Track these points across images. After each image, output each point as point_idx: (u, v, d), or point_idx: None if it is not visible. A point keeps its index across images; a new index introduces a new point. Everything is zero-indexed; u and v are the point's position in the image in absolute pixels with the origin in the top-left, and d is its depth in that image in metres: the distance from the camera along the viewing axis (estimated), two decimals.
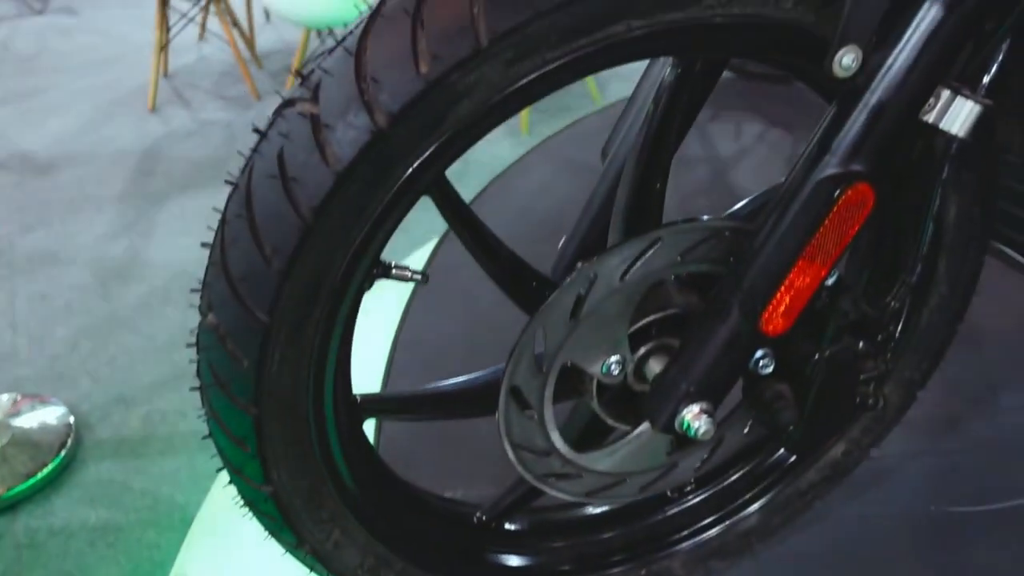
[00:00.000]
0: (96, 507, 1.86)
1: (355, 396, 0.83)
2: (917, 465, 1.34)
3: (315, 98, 0.64)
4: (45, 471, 1.91)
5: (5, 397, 2.12)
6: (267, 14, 4.58)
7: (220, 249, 0.68)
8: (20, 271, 2.83)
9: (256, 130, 0.68)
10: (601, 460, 0.88)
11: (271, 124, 0.67)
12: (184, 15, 4.10)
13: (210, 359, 0.72)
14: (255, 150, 0.67)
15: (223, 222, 0.69)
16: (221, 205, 0.69)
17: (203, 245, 0.71)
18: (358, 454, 0.85)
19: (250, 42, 4.36)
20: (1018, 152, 0.93)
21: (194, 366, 0.74)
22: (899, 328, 0.96)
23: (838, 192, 0.70)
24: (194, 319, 0.74)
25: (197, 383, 0.74)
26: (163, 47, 3.84)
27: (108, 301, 2.62)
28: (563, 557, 1.02)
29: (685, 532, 1.07)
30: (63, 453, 1.95)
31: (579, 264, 0.76)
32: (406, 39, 0.63)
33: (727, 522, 1.07)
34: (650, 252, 0.77)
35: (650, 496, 1.04)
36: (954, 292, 0.97)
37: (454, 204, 0.76)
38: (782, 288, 0.74)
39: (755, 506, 1.07)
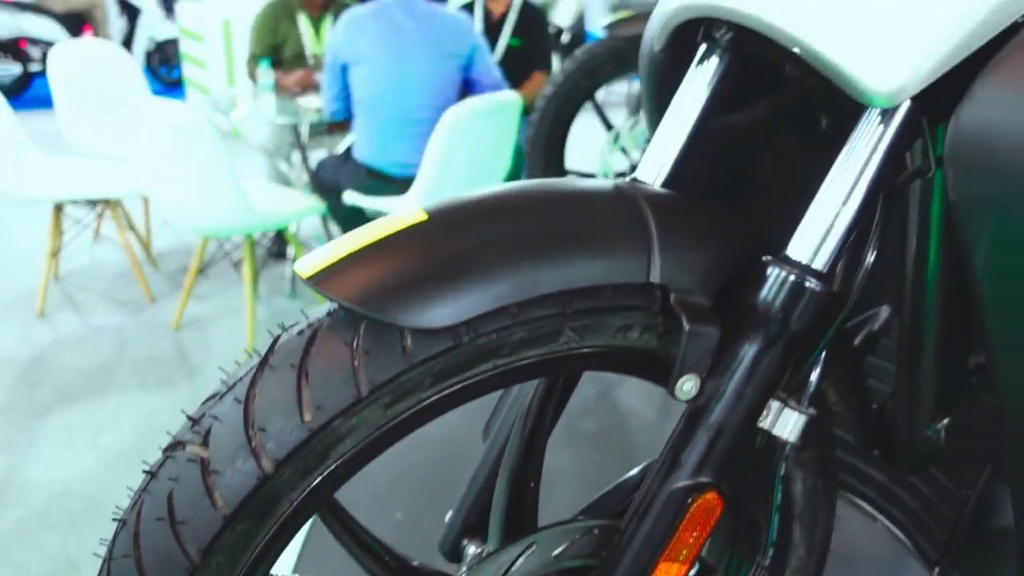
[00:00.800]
0: None
1: None
2: None
3: (205, 443, 0.69)
4: None
5: None
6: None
7: None
8: None
9: (146, 471, 0.71)
10: None
11: (161, 464, 0.71)
12: (78, 221, 4.13)
13: None
14: (144, 489, 0.71)
15: (109, 559, 0.71)
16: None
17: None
18: None
19: (146, 244, 4.39)
20: (858, 442, 1.05)
21: None
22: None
23: (689, 501, 0.78)
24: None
25: None
26: (55, 253, 3.83)
27: None
28: None
29: None
30: None
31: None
32: (291, 390, 0.69)
33: None
34: (525, 555, 0.82)
35: None
36: (810, 554, 1.05)
37: (342, 519, 0.81)
38: None
39: None
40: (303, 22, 4.34)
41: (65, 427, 2.96)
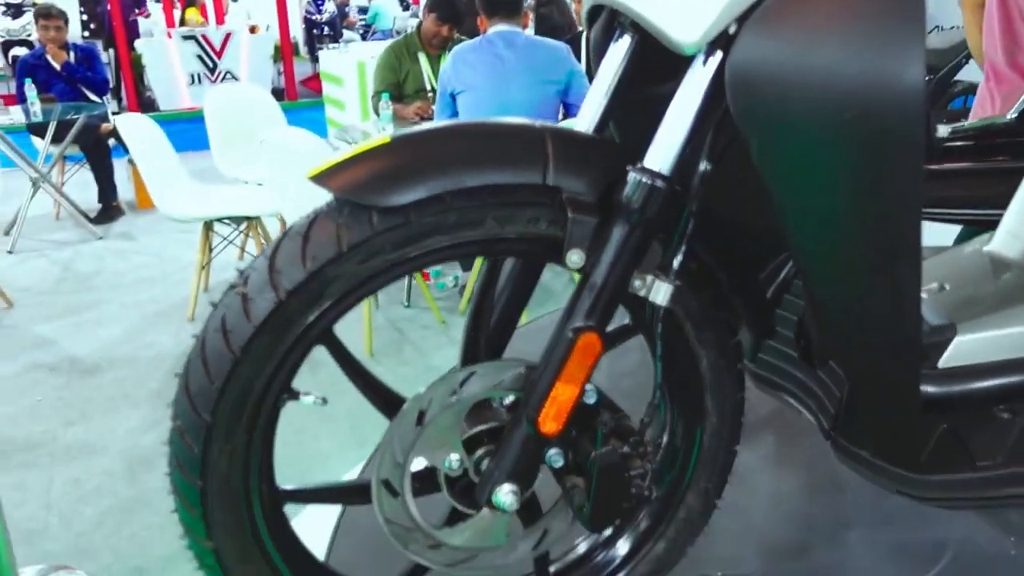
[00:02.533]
0: None
1: (277, 485, 1.20)
2: None
3: (245, 283, 1.08)
4: None
5: (32, 569, 2.46)
6: None
7: (184, 377, 1.09)
8: (59, 459, 3.24)
9: (212, 303, 1.11)
10: (455, 536, 1.23)
11: (220, 300, 1.10)
12: (225, 238, 4.74)
13: (174, 451, 1.11)
14: (210, 317, 1.10)
15: (188, 361, 1.10)
16: None
17: (176, 375, 1.12)
18: (279, 529, 1.21)
19: None
20: (748, 329, 1.32)
21: None
22: (677, 447, 1.32)
23: (575, 338, 1.11)
24: None
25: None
26: (204, 266, 4.44)
27: (133, 485, 2.99)
28: None
29: None
30: None
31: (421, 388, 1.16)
32: (298, 248, 1.07)
33: None
34: (467, 382, 1.16)
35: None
36: (723, 421, 1.33)
37: (342, 353, 1.17)
38: (548, 400, 1.12)
39: None
40: (423, 60, 4.88)
41: None
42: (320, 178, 1.07)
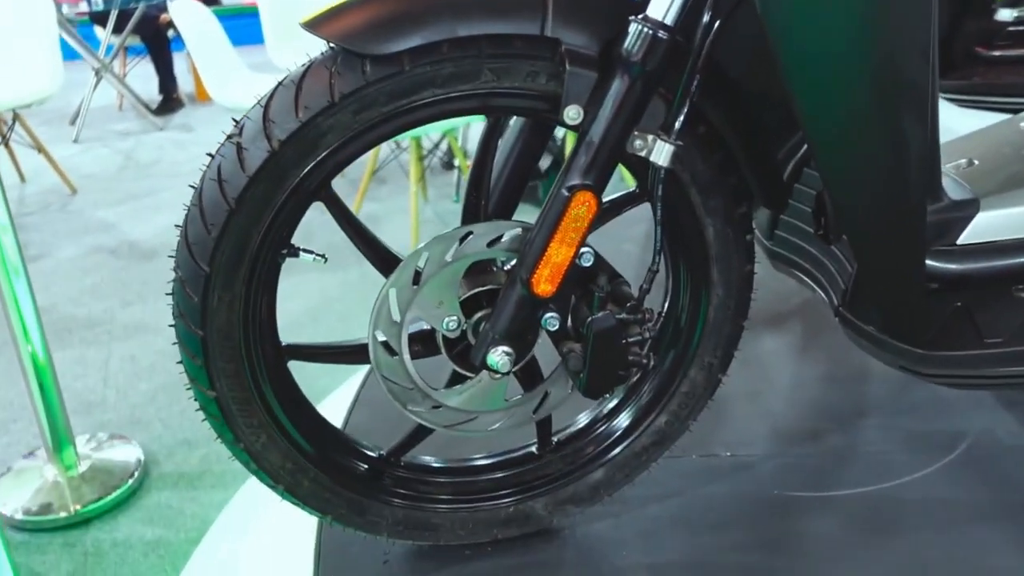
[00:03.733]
0: (153, 526, 2.28)
1: (280, 341, 1.23)
2: (772, 462, 1.63)
3: (240, 132, 1.08)
4: (115, 495, 2.35)
5: (88, 436, 2.60)
6: None
7: (184, 227, 1.11)
8: (117, 337, 3.38)
9: (209, 154, 1.11)
10: (453, 397, 1.25)
11: (217, 150, 1.10)
12: None
13: (176, 301, 1.14)
14: (208, 166, 1.11)
15: (187, 211, 1.12)
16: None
17: (176, 226, 1.14)
18: (283, 385, 1.24)
19: None
20: (758, 197, 1.29)
21: None
22: (666, 308, 1.31)
23: (570, 196, 1.09)
24: None
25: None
26: None
27: None
28: (445, 490, 1.37)
29: (544, 481, 1.40)
30: (131, 482, 2.41)
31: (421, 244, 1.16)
32: (291, 98, 1.06)
33: (579, 476, 1.40)
34: (466, 241, 1.16)
35: (519, 452, 1.41)
36: (729, 293, 1.31)
37: (341, 210, 1.17)
38: (542, 261, 1.12)
39: (599, 464, 1.40)
40: None
41: None
42: (313, 25, 1.05)
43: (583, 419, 1.44)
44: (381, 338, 1.19)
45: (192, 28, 4.30)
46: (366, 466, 1.34)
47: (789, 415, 1.78)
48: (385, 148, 4.89)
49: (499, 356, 1.16)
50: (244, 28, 6.48)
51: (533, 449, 1.41)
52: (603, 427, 1.41)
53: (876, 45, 0.95)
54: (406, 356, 1.21)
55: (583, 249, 1.14)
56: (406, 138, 4.45)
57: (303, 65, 1.09)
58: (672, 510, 1.51)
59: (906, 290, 1.16)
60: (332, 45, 1.07)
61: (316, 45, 1.10)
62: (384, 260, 1.20)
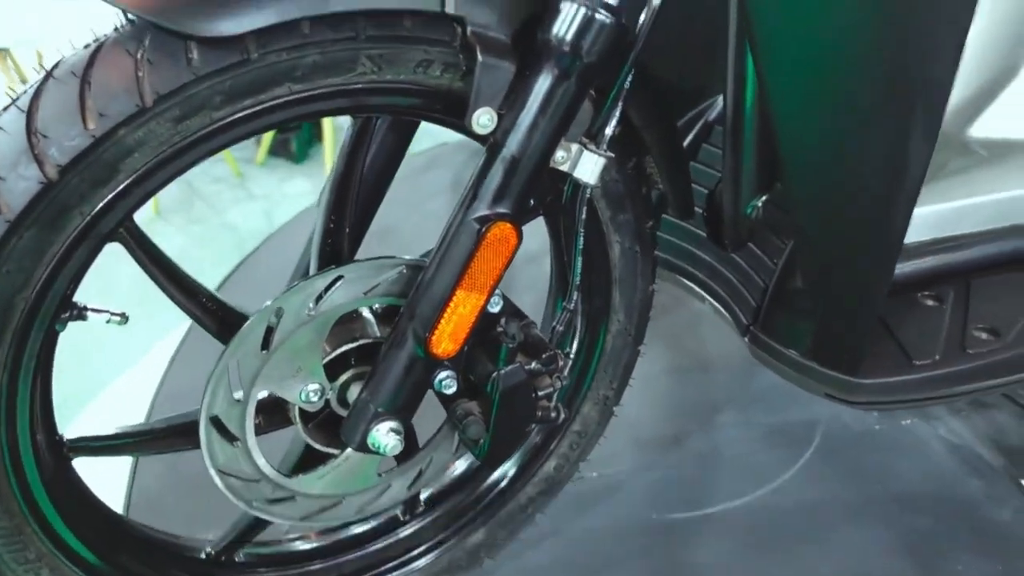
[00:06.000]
0: None
1: (61, 436, 0.87)
2: (643, 479, 1.49)
3: None
4: None
5: None
6: None
7: None
8: None
9: None
10: (313, 483, 0.96)
11: None
12: None
13: None
14: None
15: None
16: None
17: None
18: (67, 492, 0.88)
19: None
20: (673, 207, 1.10)
21: None
22: (575, 349, 1.10)
23: (484, 230, 0.82)
24: None
25: None
26: None
27: None
28: None
29: (416, 552, 1.15)
30: None
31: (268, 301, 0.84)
32: (74, 98, 0.70)
33: (455, 542, 1.16)
34: (334, 288, 0.86)
35: (380, 520, 1.13)
36: (630, 318, 1.11)
37: (147, 251, 0.83)
38: (444, 315, 0.85)
39: (479, 523, 1.17)
40: None
41: None
42: None
43: (457, 469, 1.19)
44: (215, 419, 0.87)
45: None
46: (194, 573, 1.01)
47: (646, 418, 1.64)
48: None
49: (385, 436, 0.89)
50: None
51: (396, 514, 1.15)
52: (481, 479, 1.18)
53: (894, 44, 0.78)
54: (251, 441, 0.90)
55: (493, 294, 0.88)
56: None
57: (88, 46, 0.73)
58: (551, 554, 1.32)
59: (862, 311, 1.02)
60: (132, 17, 0.72)
61: None
62: (219, 320, 0.87)
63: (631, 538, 1.37)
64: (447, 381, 0.91)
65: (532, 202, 0.98)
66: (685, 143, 1.21)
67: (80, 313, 0.81)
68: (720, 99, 1.24)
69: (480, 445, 0.95)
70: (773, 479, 1.50)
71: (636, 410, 1.66)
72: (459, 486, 1.18)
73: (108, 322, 0.84)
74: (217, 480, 0.90)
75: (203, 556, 1.03)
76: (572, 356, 1.08)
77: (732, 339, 1.86)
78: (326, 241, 0.91)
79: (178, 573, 1.00)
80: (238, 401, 0.87)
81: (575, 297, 0.95)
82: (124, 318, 0.85)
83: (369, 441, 0.89)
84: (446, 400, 0.96)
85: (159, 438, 0.93)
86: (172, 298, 0.85)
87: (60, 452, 0.87)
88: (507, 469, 1.17)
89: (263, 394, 0.89)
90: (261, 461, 0.91)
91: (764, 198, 1.13)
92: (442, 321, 0.85)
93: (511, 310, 0.92)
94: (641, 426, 1.62)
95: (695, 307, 1.98)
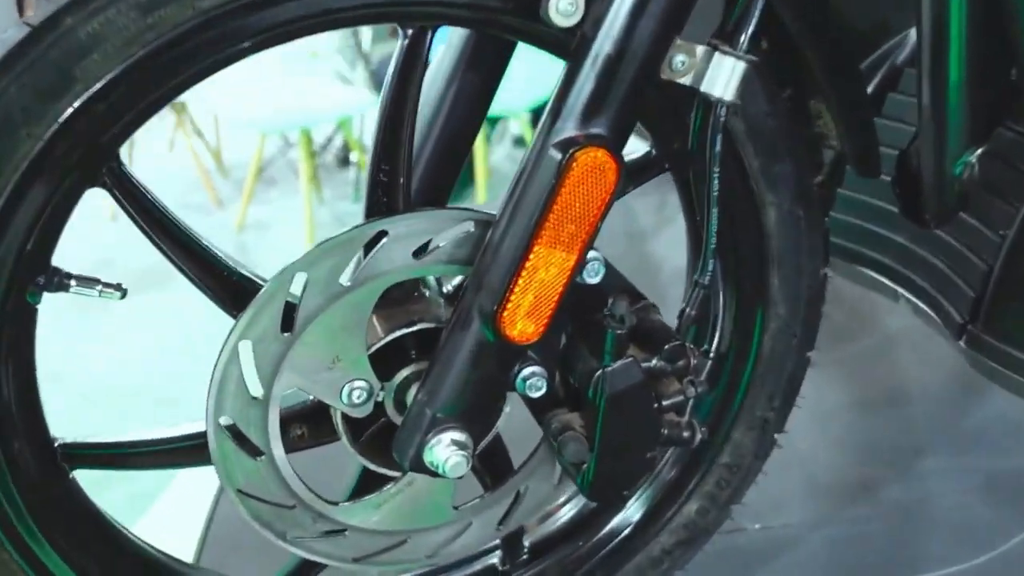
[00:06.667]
0: None
1: (52, 438, 0.69)
2: (821, 536, 1.17)
3: None
4: None
5: None
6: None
7: None
8: None
9: None
10: (367, 513, 0.74)
11: None
12: (150, 129, 4.15)
13: None
14: None
15: None
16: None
17: None
18: (68, 514, 0.71)
19: (216, 153, 4.43)
20: (852, 162, 0.83)
21: None
22: (718, 348, 0.82)
23: (568, 158, 0.59)
24: None
25: None
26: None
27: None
28: None
29: None
30: None
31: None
32: None
33: None
34: (375, 250, 0.65)
35: (471, 569, 0.90)
36: (794, 313, 0.84)
37: (138, 199, 0.65)
38: (519, 281, 0.61)
39: None
40: None
41: (127, 315, 3.02)
42: None
43: (569, 511, 0.94)
44: (230, 425, 0.67)
45: None
46: None
47: (825, 461, 1.32)
48: (271, 145, 4.32)
49: (446, 450, 0.66)
50: None
51: (495, 562, 0.91)
52: (600, 522, 0.92)
53: None
54: (278, 453, 0.69)
55: (590, 255, 0.64)
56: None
57: None
58: None
59: None
60: None
61: None
62: (227, 286, 0.67)
63: None
64: (534, 380, 0.68)
65: (652, 150, 0.75)
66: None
67: (61, 282, 0.64)
68: (911, 33, 0.97)
69: (583, 472, 0.71)
70: (997, 543, 1.14)
71: (811, 448, 1.35)
72: (572, 530, 0.93)
73: (100, 295, 0.66)
74: (238, 505, 0.70)
75: None
76: (713, 355, 0.81)
77: (938, 358, 1.52)
78: (375, 195, 0.69)
79: None
80: (256, 400, 0.66)
81: (711, 267, 0.69)
82: (121, 291, 0.67)
83: (425, 457, 0.66)
84: (538, 409, 0.72)
85: (168, 452, 0.74)
86: (166, 255, 0.66)
87: (52, 461, 0.69)
88: (631, 511, 0.91)
89: (294, 398, 0.68)
90: (295, 482, 0.70)
91: (981, 150, 0.84)
92: (516, 289, 0.62)
93: (619, 284, 0.68)
94: (818, 469, 1.30)
95: (884, 317, 1.65)
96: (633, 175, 0.76)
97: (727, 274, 0.81)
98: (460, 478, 0.69)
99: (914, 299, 0.91)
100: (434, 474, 0.67)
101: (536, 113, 3.44)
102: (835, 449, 1.36)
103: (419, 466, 0.67)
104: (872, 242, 0.95)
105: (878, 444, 1.36)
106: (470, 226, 0.66)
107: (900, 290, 0.93)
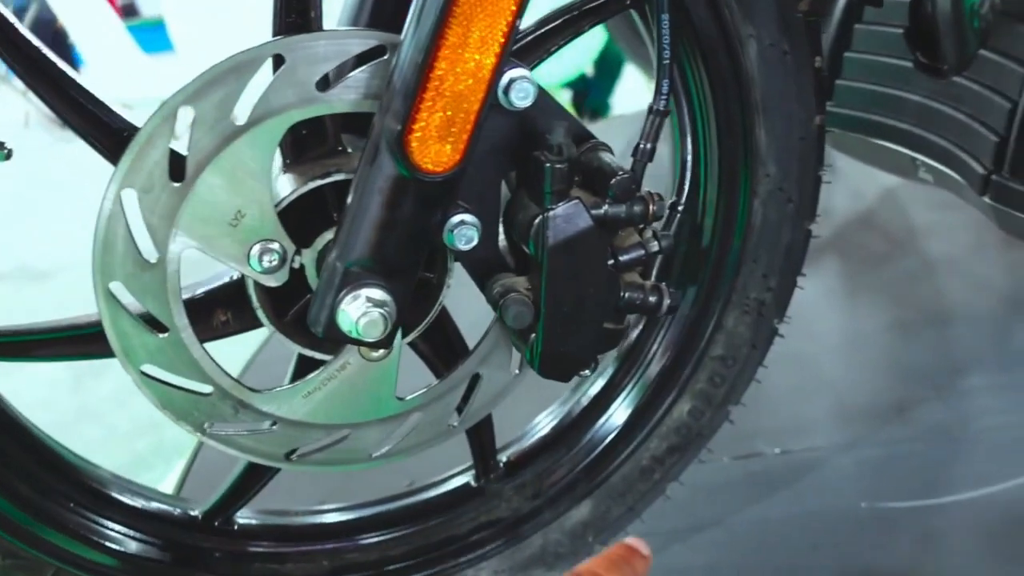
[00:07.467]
0: None
1: None
2: (849, 458, 1.06)
3: None
4: None
5: None
6: None
7: None
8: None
9: None
10: (294, 402, 0.65)
11: None
12: None
13: None
14: None
15: None
16: None
17: None
18: None
19: None
20: (950, 60, 0.73)
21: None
22: (684, 184, 0.72)
23: None
24: None
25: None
26: None
27: (79, 395, 2.56)
28: (313, 566, 0.77)
29: (491, 534, 0.81)
30: None
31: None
32: None
33: (548, 519, 0.81)
34: (277, 76, 0.56)
35: (441, 489, 0.82)
36: (786, 172, 0.73)
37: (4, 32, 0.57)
38: (426, 95, 0.52)
39: (582, 493, 0.81)
40: None
41: None
42: None
43: (547, 419, 0.85)
44: (122, 296, 0.59)
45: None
46: (165, 542, 0.73)
47: (856, 384, 1.20)
48: None
49: (362, 307, 0.57)
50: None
51: (469, 479, 0.82)
52: (583, 429, 0.83)
53: None
54: (183, 327, 0.61)
55: (516, 71, 0.55)
56: None
57: None
58: (709, 553, 0.93)
59: None
60: None
61: None
62: (101, 127, 0.59)
63: (825, 534, 0.95)
64: (463, 229, 0.58)
65: None
66: None
67: None
68: None
69: (531, 343, 0.61)
70: None
71: (842, 372, 1.23)
72: (551, 442, 0.83)
73: None
74: (144, 390, 0.62)
75: (188, 516, 0.75)
76: (681, 208, 0.71)
77: (980, 281, 1.39)
78: (287, 11, 0.59)
79: (149, 538, 0.73)
80: (150, 264, 0.58)
81: (665, 89, 0.59)
82: (5, 150, 0.60)
83: (338, 320, 0.58)
84: (481, 275, 0.63)
85: (69, 337, 0.66)
86: (31, 87, 0.58)
87: None
88: (615, 414, 0.81)
89: (188, 254, 0.60)
90: (208, 363, 0.62)
91: None
92: (423, 105, 0.52)
93: (553, 111, 0.58)
94: (849, 392, 1.19)
95: (920, 241, 1.52)
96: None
97: (704, 122, 0.71)
98: (385, 346, 0.60)
99: (933, 163, 0.80)
100: (350, 340, 0.58)
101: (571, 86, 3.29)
102: (868, 372, 1.24)
103: (333, 332, 0.58)
104: (886, 106, 0.84)
105: (916, 366, 1.23)
106: (383, 50, 0.57)
107: (918, 156, 0.82)
